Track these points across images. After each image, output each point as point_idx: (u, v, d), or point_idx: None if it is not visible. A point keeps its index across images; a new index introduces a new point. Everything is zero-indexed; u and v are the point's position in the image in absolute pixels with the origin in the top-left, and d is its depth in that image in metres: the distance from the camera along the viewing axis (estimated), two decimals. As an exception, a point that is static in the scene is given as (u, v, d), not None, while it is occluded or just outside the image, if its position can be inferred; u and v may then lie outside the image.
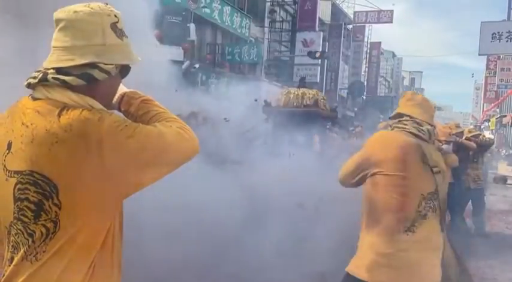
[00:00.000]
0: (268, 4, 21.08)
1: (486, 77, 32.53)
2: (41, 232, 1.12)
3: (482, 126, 36.91)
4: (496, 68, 25.72)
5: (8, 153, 1.16)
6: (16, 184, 1.13)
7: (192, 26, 12.94)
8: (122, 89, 1.37)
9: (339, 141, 11.99)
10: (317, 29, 23.94)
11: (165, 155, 1.20)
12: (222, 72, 16.14)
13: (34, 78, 1.18)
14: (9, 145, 1.15)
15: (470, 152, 6.94)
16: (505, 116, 24.98)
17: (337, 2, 32.97)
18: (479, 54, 17.71)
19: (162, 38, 11.63)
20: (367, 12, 32.07)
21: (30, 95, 1.20)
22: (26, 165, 1.11)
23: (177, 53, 12.15)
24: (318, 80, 24.77)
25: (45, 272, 1.13)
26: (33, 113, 1.14)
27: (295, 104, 7.60)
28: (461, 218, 7.05)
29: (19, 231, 1.14)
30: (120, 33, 1.23)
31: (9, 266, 1.16)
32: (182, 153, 1.25)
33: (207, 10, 14.21)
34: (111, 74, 1.21)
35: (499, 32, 16.49)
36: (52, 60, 1.18)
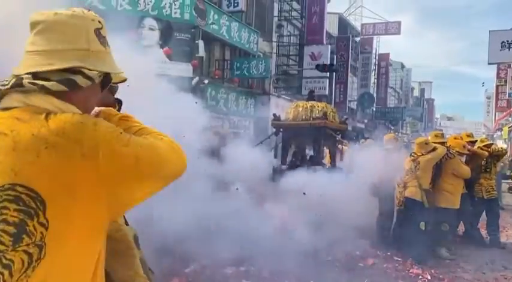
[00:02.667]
0: (275, 19, 21.26)
1: (497, 86, 32.22)
2: (22, 260, 0.91)
3: (494, 136, 36.46)
4: (506, 76, 25.50)
5: None
6: None
7: (200, 43, 13.10)
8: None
9: (349, 153, 11.97)
10: (325, 42, 24.04)
11: (159, 168, 1.09)
12: (231, 88, 16.25)
13: (4, 85, 1.04)
14: None
15: (482, 161, 6.89)
16: (518, 124, 24.68)
17: (344, 15, 33.17)
18: (488, 63, 17.62)
19: (171, 55, 11.82)
20: (374, 24, 32.20)
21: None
22: (4, 179, 0.93)
23: (186, 69, 12.29)
24: (327, 93, 24.80)
25: None
26: (11, 120, 0.99)
27: (304, 117, 7.62)
28: (476, 229, 6.97)
29: None
30: (103, 40, 1.13)
31: None
32: (175, 167, 1.14)
33: (215, 27, 14.38)
34: (94, 81, 1.08)
35: (508, 41, 16.43)
36: (28, 64, 1.05)
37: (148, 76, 3.91)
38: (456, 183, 6.14)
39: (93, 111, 1.24)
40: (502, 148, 7.68)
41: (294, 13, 22.32)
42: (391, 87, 45.39)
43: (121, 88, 1.70)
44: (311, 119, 7.59)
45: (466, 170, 6.16)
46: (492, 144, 7.47)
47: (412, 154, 6.08)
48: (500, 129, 34.04)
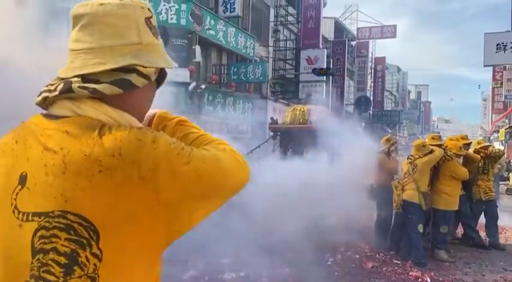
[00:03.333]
0: (271, 24, 21.35)
1: (493, 88, 32.39)
2: None
3: (491, 138, 36.58)
4: (502, 78, 25.64)
5: (20, 190, 0.87)
6: (37, 230, 0.84)
7: (197, 48, 13.14)
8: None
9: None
10: (321, 46, 24.15)
11: (223, 184, 0.96)
12: (228, 92, 16.28)
13: (50, 91, 0.91)
14: (23, 179, 0.87)
15: (479, 163, 6.91)
16: (515, 126, 24.76)
17: (340, 19, 33.33)
18: (484, 66, 17.70)
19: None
20: (370, 28, 32.38)
21: (46, 113, 0.93)
22: (54, 204, 0.83)
23: (183, 74, 12.32)
24: (324, 97, 24.85)
25: None
26: (60, 134, 0.87)
27: (301, 120, 7.63)
28: (475, 230, 6.97)
29: None
30: (155, 31, 0.99)
31: None
32: (238, 181, 1.01)
33: (212, 32, 14.43)
34: (151, 79, 0.96)
35: (503, 43, 16.51)
36: (75, 66, 0.91)
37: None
38: (454, 185, 6.15)
39: (147, 114, 1.10)
40: (499, 150, 7.70)
41: (290, 18, 22.44)
42: (388, 91, 45.56)
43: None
44: (308, 122, 7.61)
45: (464, 172, 6.17)
46: (489, 145, 7.49)
47: (410, 157, 6.09)
48: (497, 131, 34.16)
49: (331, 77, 25.81)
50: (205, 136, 1.06)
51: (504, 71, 25.37)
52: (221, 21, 15.06)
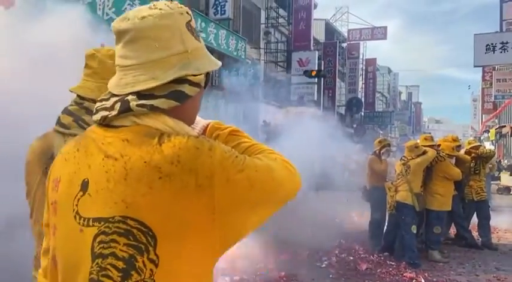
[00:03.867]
0: (262, 26, 21.38)
1: (483, 89, 32.71)
2: None
3: (482, 138, 36.90)
4: (492, 79, 25.89)
5: (82, 196, 0.89)
6: (97, 235, 0.86)
7: (188, 51, 13.11)
8: (200, 119, 1.14)
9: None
10: (312, 48, 24.23)
11: (275, 193, 0.97)
12: (219, 95, 16.25)
13: (107, 109, 0.93)
14: (85, 185, 0.89)
15: (471, 164, 6.95)
16: (504, 126, 25.01)
17: (331, 21, 33.46)
18: (474, 66, 17.84)
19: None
20: (360, 29, 32.53)
21: (105, 123, 0.94)
22: (115, 210, 0.85)
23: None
24: (316, 98, 24.93)
25: None
26: (120, 142, 0.89)
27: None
28: (467, 231, 7.00)
29: None
30: (196, 33, 0.98)
31: None
32: (290, 190, 1.01)
33: (203, 34, 14.40)
34: (201, 86, 0.97)
35: (492, 44, 16.67)
36: (126, 82, 0.92)
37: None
38: (447, 185, 6.17)
39: (202, 124, 1.13)
40: (489, 150, 7.75)
41: (280, 20, 22.48)
42: (379, 92, 45.80)
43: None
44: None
45: (457, 172, 6.20)
46: (480, 146, 7.54)
47: (403, 158, 6.10)
48: (487, 131, 34.49)
49: (322, 78, 25.92)
50: (257, 145, 1.07)
51: (493, 72, 25.61)
52: (212, 23, 15.04)
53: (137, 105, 0.89)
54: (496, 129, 29.96)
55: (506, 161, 21.09)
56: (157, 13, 0.92)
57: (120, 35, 0.94)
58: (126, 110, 0.90)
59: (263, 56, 21.55)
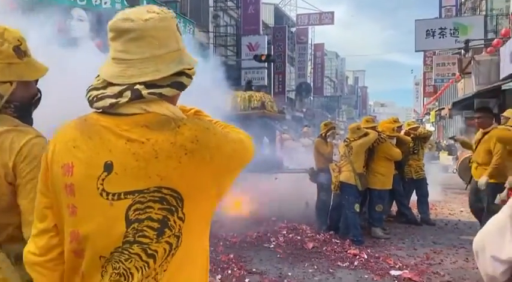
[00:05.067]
0: (211, 9, 21.07)
1: (424, 73, 34.13)
2: (164, 249, 1.07)
3: (423, 120, 38.69)
4: (432, 63, 27.07)
5: (107, 176, 1.06)
6: (131, 205, 1.05)
7: (134, 34, 12.69)
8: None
9: (289, 141, 12.21)
10: (261, 32, 24.22)
11: (246, 160, 1.23)
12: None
13: (115, 96, 1.08)
14: (109, 166, 1.06)
15: (410, 144, 7.28)
16: (443, 108, 26.35)
17: (280, 5, 33.52)
18: (415, 51, 18.59)
19: (102, 47, 11.35)
20: (309, 14, 32.83)
21: (107, 111, 1.10)
22: (150, 183, 1.04)
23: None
24: (266, 83, 25.04)
25: None
26: (140, 128, 1.07)
27: (243, 107, 7.63)
28: (407, 208, 7.36)
29: (133, 255, 1.06)
30: (181, 35, 1.19)
31: None
32: (250, 157, 1.27)
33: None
34: (192, 78, 1.18)
35: (432, 29, 17.40)
36: (132, 74, 1.09)
37: (83, 70, 3.74)
38: (388, 165, 6.44)
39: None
40: (427, 130, 8.14)
41: (229, 3, 22.25)
42: (327, 77, 46.69)
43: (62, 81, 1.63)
44: (249, 108, 7.62)
45: (397, 153, 6.47)
46: (418, 127, 7.89)
47: (346, 140, 6.29)
48: (428, 113, 36.19)
49: (272, 63, 26.02)
50: (220, 122, 1.35)
51: (434, 56, 26.79)
52: (158, 5, 14.64)
53: (148, 93, 1.08)
54: (436, 111, 31.51)
55: (445, 142, 22.24)
56: (157, 17, 1.11)
57: (121, 33, 1.10)
58: (138, 97, 1.07)
59: (212, 40, 21.28)
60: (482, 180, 5.15)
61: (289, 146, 11.53)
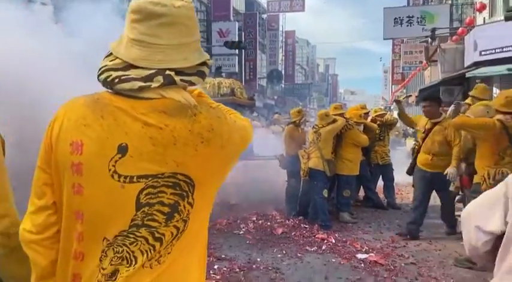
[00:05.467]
0: (180, -6, 20.73)
1: (393, 60, 34.71)
2: (171, 233, 1.09)
3: (391, 107, 39.40)
4: (400, 51, 27.56)
5: (121, 158, 1.05)
6: (143, 189, 1.05)
7: (100, 19, 12.36)
8: None
9: (261, 129, 12.24)
10: (232, 18, 24.03)
11: (247, 145, 1.26)
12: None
13: (140, 79, 1.07)
14: (123, 149, 1.05)
15: (376, 130, 7.43)
16: (410, 95, 26.93)
17: (251, -9, 33.26)
18: (384, 39, 18.88)
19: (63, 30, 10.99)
20: (280, 1, 32.73)
21: (124, 93, 1.09)
22: (166, 168, 1.05)
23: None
24: (237, 70, 24.94)
25: (168, 275, 1.09)
26: (158, 113, 1.06)
27: (212, 94, 7.59)
28: (374, 193, 7.53)
29: (139, 238, 1.06)
30: None
31: (111, 279, 1.06)
32: (250, 141, 1.30)
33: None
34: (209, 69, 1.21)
35: (400, 17, 17.68)
36: (160, 59, 1.09)
37: (47, 54, 3.64)
38: (355, 151, 6.56)
39: None
40: (394, 118, 8.32)
41: (199, -11, 21.89)
42: (298, 64, 46.88)
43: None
44: (219, 95, 7.59)
45: (364, 139, 6.59)
46: (385, 114, 8.04)
47: (315, 126, 6.36)
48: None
49: (243, 50, 25.90)
50: (222, 106, 1.36)
51: (402, 44, 27.26)
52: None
53: (181, 80, 1.10)
54: (403, 98, 32.14)
55: (412, 130, 22.71)
56: (187, 5, 1.12)
57: (151, 16, 1.08)
58: (171, 83, 1.08)
59: (182, 26, 20.99)
60: (452, 170, 5.18)
61: (260, 133, 11.57)
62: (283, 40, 38.84)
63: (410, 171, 5.75)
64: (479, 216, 1.45)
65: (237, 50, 22.97)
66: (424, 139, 5.47)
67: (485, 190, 4.23)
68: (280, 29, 37.21)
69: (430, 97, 5.97)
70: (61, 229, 1.13)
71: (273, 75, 34.09)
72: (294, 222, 6.22)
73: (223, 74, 12.74)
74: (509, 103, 4.40)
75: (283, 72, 37.10)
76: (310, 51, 54.09)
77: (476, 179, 4.47)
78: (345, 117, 6.50)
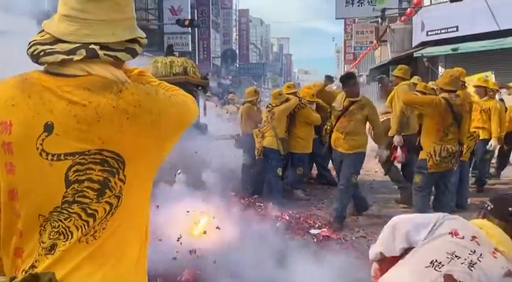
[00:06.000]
0: (129, -31, 19.90)
1: (345, 40, 35.33)
2: (104, 209, 1.09)
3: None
4: (352, 31, 28.02)
5: (47, 136, 1.05)
6: (71, 166, 1.06)
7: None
8: None
9: (215, 109, 12.16)
10: (184, -5, 23.40)
11: (189, 121, 1.26)
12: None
13: (63, 53, 1.06)
14: (49, 127, 1.05)
15: (327, 110, 7.54)
16: (362, 75, 27.58)
17: (203, -32, 32.47)
18: (336, 18, 19.10)
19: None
20: (232, -22, 32.26)
21: (50, 70, 1.10)
22: (91, 145, 1.05)
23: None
24: (191, 49, 24.48)
25: (104, 249, 1.10)
26: (82, 90, 1.06)
27: (164, 73, 7.38)
28: (327, 170, 7.70)
29: (72, 214, 1.07)
30: None
31: (50, 253, 1.07)
32: (195, 117, 1.32)
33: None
34: (143, 47, 1.20)
35: (352, -3, 17.92)
36: (87, 33, 1.09)
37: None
38: (308, 130, 6.66)
39: None
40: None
41: (149, -37, 21.12)
42: (252, 44, 46.67)
43: None
44: (171, 74, 7.40)
45: (317, 117, 6.69)
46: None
47: (268, 105, 6.38)
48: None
49: (196, 28, 25.40)
50: (164, 84, 1.38)
51: (353, 24, 27.71)
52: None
53: (104, 54, 1.08)
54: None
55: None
56: None
57: None
58: (93, 56, 1.07)
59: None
60: (382, 152, 5.43)
61: (215, 112, 11.50)
62: (237, 19, 38.43)
63: (327, 152, 5.78)
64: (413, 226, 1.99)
65: (190, 29, 22.50)
66: (339, 117, 5.39)
67: (431, 166, 4.50)
68: (234, 7, 36.75)
69: (349, 75, 6.03)
70: (1, 206, 1.14)
71: (227, 54, 33.78)
72: (249, 201, 6.27)
73: (177, 54, 12.46)
74: (453, 81, 4.60)
75: (237, 52, 36.83)
76: (264, 31, 53.92)
77: (422, 155, 4.67)
78: (297, 96, 6.55)
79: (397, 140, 5.72)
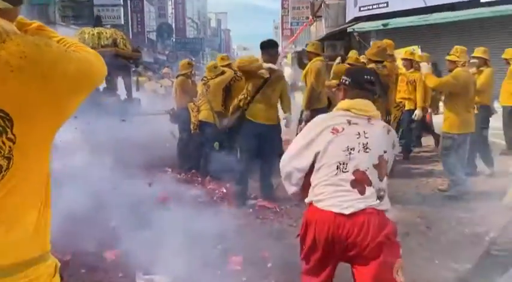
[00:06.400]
0: None
1: (282, 16, 35.42)
2: None
3: (282, 63, 40.51)
4: (289, 7, 28.14)
5: None
6: None
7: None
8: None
9: (149, 83, 11.81)
10: (114, -35, 22.25)
11: (94, 80, 1.20)
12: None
13: None
14: None
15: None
16: (299, 51, 27.93)
17: None
18: (272, -6, 19.01)
19: None
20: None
21: None
22: None
23: None
24: (123, 22, 23.49)
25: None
26: None
27: (91, 44, 7.00)
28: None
29: None
30: None
31: None
32: (102, 77, 1.25)
33: None
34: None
35: (287, -28, 17.90)
36: None
37: None
38: (244, 103, 6.64)
39: None
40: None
41: None
42: (189, 18, 45.56)
43: None
44: (99, 46, 7.05)
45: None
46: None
47: (203, 78, 6.28)
48: (286, 56, 37.98)
49: (129, 1, 24.37)
50: (65, 39, 1.28)
51: (290, 0, 27.83)
52: None
53: None
54: (292, 54, 33.26)
55: (300, 83, 23.74)
56: None
57: None
58: None
59: (56, -29, 18.88)
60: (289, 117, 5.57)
61: (149, 87, 11.17)
62: (173, -8, 37.22)
63: (236, 125, 5.31)
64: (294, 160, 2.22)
65: (121, 1, 21.51)
66: (260, 88, 5.13)
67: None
68: (169, -21, 35.50)
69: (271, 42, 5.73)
70: None
71: (163, 28, 32.76)
72: (187, 176, 6.21)
73: (108, 26, 11.89)
74: (380, 52, 4.77)
75: (173, 26, 35.81)
76: (201, 5, 52.73)
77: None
78: (232, 69, 6.50)
79: (306, 114, 5.86)
